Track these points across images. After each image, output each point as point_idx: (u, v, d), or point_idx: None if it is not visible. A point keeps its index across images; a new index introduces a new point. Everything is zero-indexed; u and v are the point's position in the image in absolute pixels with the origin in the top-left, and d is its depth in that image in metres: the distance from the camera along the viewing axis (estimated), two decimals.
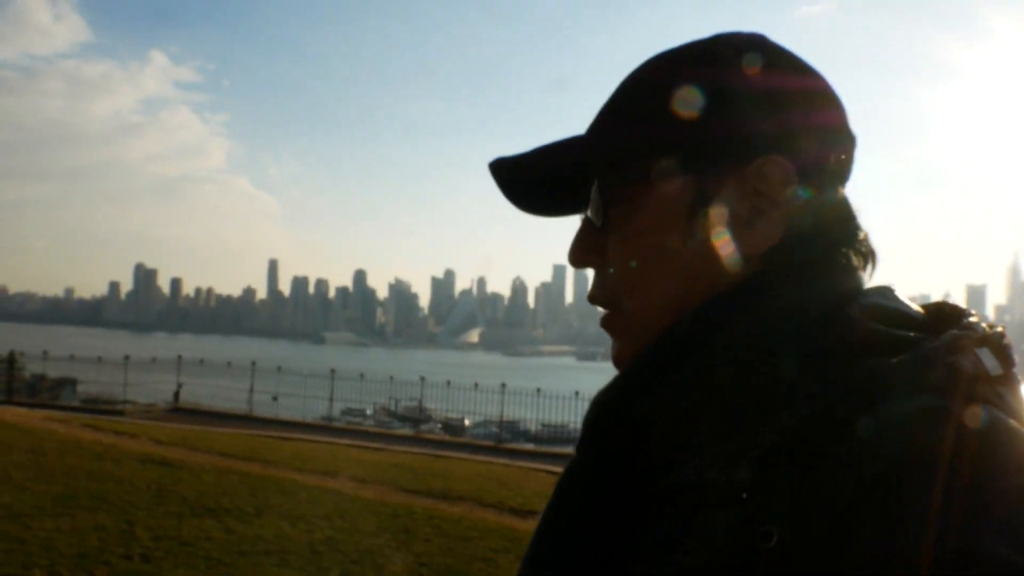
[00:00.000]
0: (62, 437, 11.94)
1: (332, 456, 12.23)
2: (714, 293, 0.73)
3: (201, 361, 22.85)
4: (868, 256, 0.77)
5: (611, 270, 0.77)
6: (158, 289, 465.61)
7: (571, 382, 23.98)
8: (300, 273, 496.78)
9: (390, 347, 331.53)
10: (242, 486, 9.15)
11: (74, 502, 7.84)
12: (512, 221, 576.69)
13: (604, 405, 0.77)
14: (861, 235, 0.77)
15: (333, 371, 21.90)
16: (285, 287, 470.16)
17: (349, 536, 7.18)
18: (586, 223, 0.80)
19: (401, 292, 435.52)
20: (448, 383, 21.29)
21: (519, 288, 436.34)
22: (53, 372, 24.47)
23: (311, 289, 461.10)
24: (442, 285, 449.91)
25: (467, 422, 23.12)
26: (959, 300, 0.76)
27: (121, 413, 18.51)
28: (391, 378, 22.83)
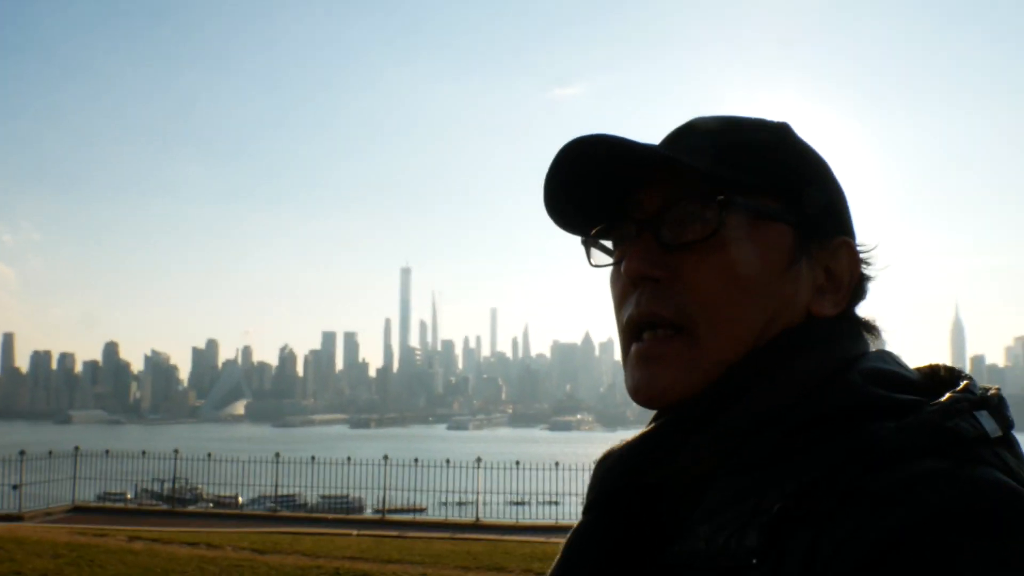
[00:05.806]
0: (204, 558, 10.58)
1: (411, 550, 11.82)
2: (776, 342, 0.79)
3: None
4: (873, 328, 0.84)
5: (684, 288, 0.79)
6: None
7: (344, 451, 23.15)
8: (41, 348, 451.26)
9: (146, 423, 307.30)
10: None
11: None
12: (279, 287, 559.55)
13: (622, 468, 0.79)
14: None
15: (77, 448, 19.50)
16: (23, 363, 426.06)
17: None
18: (649, 239, 0.81)
19: (158, 364, 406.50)
20: (209, 455, 20.25)
21: (287, 357, 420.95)
22: None
23: (54, 365, 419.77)
24: (204, 356, 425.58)
25: (240, 499, 22.39)
26: None
27: (20, 518, 16.58)
28: (143, 453, 20.95)
